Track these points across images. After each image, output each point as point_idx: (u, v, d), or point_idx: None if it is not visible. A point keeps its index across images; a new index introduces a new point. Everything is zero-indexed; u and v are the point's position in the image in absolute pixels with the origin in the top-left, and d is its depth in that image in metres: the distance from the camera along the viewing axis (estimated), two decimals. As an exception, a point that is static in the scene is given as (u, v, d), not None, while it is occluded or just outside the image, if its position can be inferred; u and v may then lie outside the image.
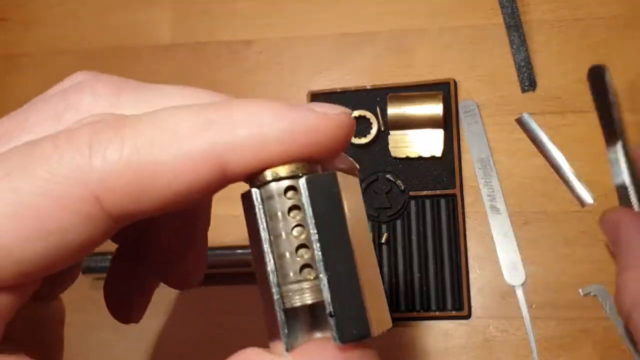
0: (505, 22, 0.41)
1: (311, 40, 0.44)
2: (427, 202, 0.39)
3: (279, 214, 0.16)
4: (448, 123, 0.40)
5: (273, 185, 0.16)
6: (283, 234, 0.16)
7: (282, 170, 0.16)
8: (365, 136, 0.40)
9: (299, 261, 0.16)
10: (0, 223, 0.16)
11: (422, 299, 0.38)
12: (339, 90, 0.42)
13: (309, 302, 0.16)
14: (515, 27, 0.41)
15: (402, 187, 0.40)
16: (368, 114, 0.40)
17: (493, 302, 0.38)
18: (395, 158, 0.40)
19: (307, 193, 0.16)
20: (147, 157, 0.16)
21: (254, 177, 0.17)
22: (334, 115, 0.17)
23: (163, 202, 0.17)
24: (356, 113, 0.40)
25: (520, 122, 0.39)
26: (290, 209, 0.16)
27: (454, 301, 0.38)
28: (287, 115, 0.16)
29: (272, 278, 0.16)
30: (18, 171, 0.16)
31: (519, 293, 0.37)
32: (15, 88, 0.48)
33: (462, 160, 0.40)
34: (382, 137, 0.40)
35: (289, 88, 0.43)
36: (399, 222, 0.39)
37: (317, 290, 0.16)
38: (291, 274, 0.16)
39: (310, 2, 0.45)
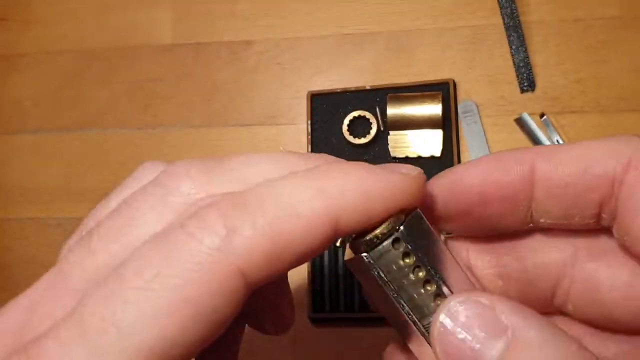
0: (505, 22, 0.41)
1: (311, 41, 0.44)
2: (427, 202, 0.39)
3: (394, 266, 0.18)
4: (447, 123, 0.40)
5: (384, 244, 0.18)
6: (405, 281, 0.19)
7: (384, 229, 0.18)
8: (364, 136, 0.40)
9: (430, 294, 0.19)
10: (163, 323, 0.17)
11: (422, 299, 0.38)
12: (339, 91, 0.42)
13: None
14: (514, 27, 0.41)
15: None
16: (368, 114, 0.40)
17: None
18: (395, 158, 0.40)
19: (410, 238, 0.18)
20: (278, 228, 0.18)
21: (358, 244, 0.19)
22: (417, 176, 0.20)
23: (290, 265, 0.19)
24: (356, 113, 0.41)
25: (519, 122, 0.40)
26: (403, 258, 0.18)
27: (453, 301, 0.38)
28: (385, 178, 0.19)
29: (412, 318, 0.19)
30: (164, 269, 0.17)
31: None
32: (15, 88, 0.48)
33: (462, 161, 0.40)
34: (381, 137, 0.40)
35: (289, 88, 0.44)
36: (398, 222, 0.39)
37: None
38: (425, 309, 0.19)
39: (310, 3, 0.45)
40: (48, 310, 0.19)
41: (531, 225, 0.21)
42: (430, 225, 0.19)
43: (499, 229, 0.22)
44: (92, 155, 0.45)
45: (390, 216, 0.19)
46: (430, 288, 0.19)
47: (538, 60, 0.40)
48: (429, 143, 0.39)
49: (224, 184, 0.20)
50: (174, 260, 0.18)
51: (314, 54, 0.44)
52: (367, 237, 0.18)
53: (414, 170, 0.20)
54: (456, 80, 0.41)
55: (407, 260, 0.19)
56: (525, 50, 0.40)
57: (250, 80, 0.44)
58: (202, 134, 0.44)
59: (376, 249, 0.19)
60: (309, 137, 0.41)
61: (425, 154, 0.39)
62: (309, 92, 0.42)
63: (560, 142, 0.39)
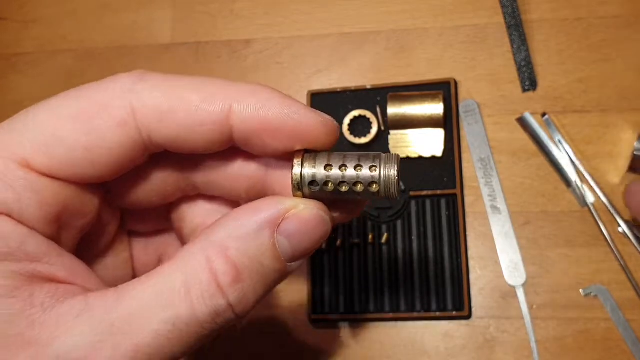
0: (506, 21, 0.41)
1: (311, 40, 0.44)
2: (428, 202, 0.39)
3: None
4: (448, 123, 0.39)
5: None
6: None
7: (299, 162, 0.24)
8: (365, 136, 0.40)
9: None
10: (68, 124, 0.21)
11: (423, 299, 0.38)
12: (339, 90, 0.42)
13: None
14: (516, 26, 0.40)
15: (403, 187, 0.39)
16: (368, 114, 0.40)
17: (493, 303, 0.38)
18: (396, 158, 0.39)
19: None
20: (175, 88, 0.22)
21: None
22: (328, 119, 0.23)
23: (181, 135, 0.22)
24: (356, 113, 0.40)
25: (521, 121, 0.39)
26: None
27: (454, 301, 0.37)
28: (289, 104, 0.22)
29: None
30: (86, 91, 0.22)
31: (520, 293, 0.37)
32: (15, 87, 0.48)
33: (463, 160, 0.40)
34: (382, 137, 0.40)
35: (289, 88, 0.43)
36: (399, 222, 0.39)
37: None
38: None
39: (310, 2, 0.44)
40: None
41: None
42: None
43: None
44: (91, 155, 0.45)
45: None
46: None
47: (539, 59, 0.40)
48: (430, 142, 0.39)
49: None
50: (92, 85, 0.23)
51: (314, 53, 0.44)
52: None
53: (329, 118, 0.23)
54: (457, 79, 0.41)
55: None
56: (527, 50, 0.40)
57: (250, 79, 0.43)
58: (201, 134, 0.44)
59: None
60: (309, 136, 0.41)
61: (426, 153, 0.39)
62: (309, 92, 0.42)
63: (562, 141, 0.38)
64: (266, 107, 0.22)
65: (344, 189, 0.23)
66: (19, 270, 0.21)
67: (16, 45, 0.49)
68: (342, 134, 0.40)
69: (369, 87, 0.41)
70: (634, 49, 0.39)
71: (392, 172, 0.23)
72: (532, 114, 0.39)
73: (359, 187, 0.23)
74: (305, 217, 0.22)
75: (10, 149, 0.21)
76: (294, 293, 0.40)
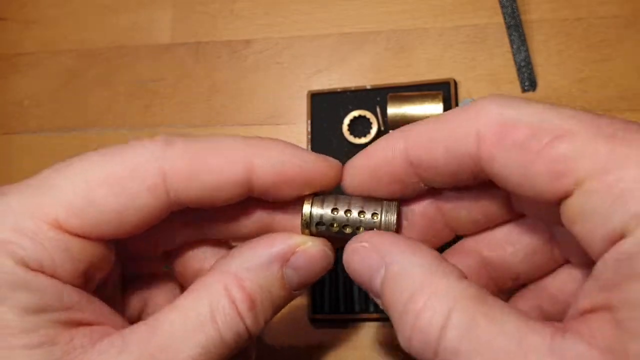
0: (506, 21, 0.41)
1: (311, 40, 0.44)
2: (427, 202, 0.39)
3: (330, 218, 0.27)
4: (448, 123, 0.40)
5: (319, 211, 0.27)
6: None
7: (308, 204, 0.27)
8: (365, 136, 0.40)
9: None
10: (99, 188, 0.23)
11: (422, 299, 0.38)
12: (339, 90, 0.42)
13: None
14: (515, 26, 0.41)
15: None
16: (368, 114, 0.40)
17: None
18: (395, 158, 0.40)
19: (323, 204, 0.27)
20: (203, 152, 0.24)
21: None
22: (333, 162, 0.26)
23: (209, 191, 0.24)
24: (356, 113, 0.40)
25: (520, 122, 0.39)
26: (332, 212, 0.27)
27: (454, 301, 0.37)
28: (300, 154, 0.26)
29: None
30: (114, 156, 0.24)
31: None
32: (15, 87, 0.48)
33: (462, 160, 0.40)
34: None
35: (289, 88, 0.43)
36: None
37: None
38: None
39: (310, 2, 0.45)
40: None
41: (426, 187, 0.26)
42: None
43: (405, 194, 0.27)
44: (91, 155, 0.45)
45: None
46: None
47: (539, 59, 0.40)
48: (429, 143, 0.39)
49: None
50: (122, 148, 0.24)
51: (314, 53, 0.44)
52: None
53: (332, 159, 0.26)
54: (457, 79, 0.41)
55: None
56: (527, 50, 0.40)
57: (250, 80, 0.43)
58: (202, 134, 0.44)
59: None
60: (309, 136, 0.41)
61: (426, 153, 0.39)
62: (309, 92, 0.42)
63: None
64: (282, 161, 0.25)
65: (348, 230, 0.26)
66: (57, 319, 0.23)
67: (17, 45, 0.49)
68: (342, 134, 0.41)
69: (368, 87, 0.41)
70: (634, 49, 0.39)
71: (392, 219, 0.26)
72: (532, 114, 0.39)
73: (361, 230, 0.26)
74: (312, 253, 0.26)
75: (43, 210, 0.23)
76: (294, 293, 0.40)
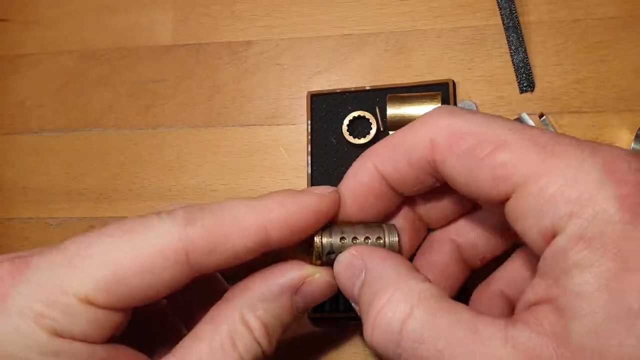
0: (504, 23, 0.41)
1: (311, 42, 0.44)
2: (426, 202, 0.39)
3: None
4: (447, 123, 0.40)
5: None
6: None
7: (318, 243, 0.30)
8: (364, 136, 0.40)
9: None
10: (127, 267, 0.26)
11: (421, 298, 0.38)
12: (338, 91, 0.42)
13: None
14: (513, 28, 0.41)
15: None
16: (367, 115, 0.41)
17: (492, 301, 0.38)
18: (395, 158, 0.40)
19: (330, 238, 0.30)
20: (221, 227, 0.26)
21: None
22: (331, 194, 0.29)
23: (227, 260, 0.27)
24: (355, 114, 0.41)
25: (518, 122, 0.40)
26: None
27: (453, 299, 0.38)
28: (302, 200, 0.28)
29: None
30: (138, 234, 0.26)
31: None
32: (17, 88, 0.48)
33: (461, 161, 0.40)
34: (381, 138, 0.40)
35: (289, 89, 0.44)
36: (398, 222, 0.39)
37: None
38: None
39: (310, 4, 0.45)
40: None
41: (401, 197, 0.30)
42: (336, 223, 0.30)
43: (390, 208, 0.31)
44: (92, 155, 0.45)
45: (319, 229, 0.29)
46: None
47: (537, 60, 0.41)
48: (428, 143, 0.39)
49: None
50: (145, 226, 0.26)
51: (314, 54, 0.44)
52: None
53: (328, 190, 0.29)
54: (456, 80, 0.41)
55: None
56: (525, 51, 0.41)
57: (250, 81, 0.44)
58: (202, 134, 0.44)
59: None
60: (309, 137, 0.42)
61: (425, 154, 0.39)
62: (308, 93, 0.42)
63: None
64: (292, 218, 0.27)
65: None
66: None
67: (18, 46, 0.49)
68: (341, 134, 0.41)
69: (368, 88, 0.42)
70: (630, 50, 0.40)
71: (395, 240, 0.29)
72: (530, 114, 0.39)
73: None
74: (320, 283, 0.29)
75: (74, 287, 0.25)
76: (294, 292, 0.40)
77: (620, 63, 0.40)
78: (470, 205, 0.32)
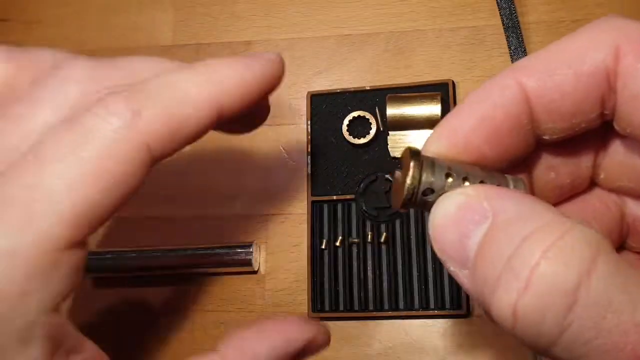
0: (504, 23, 0.41)
1: (311, 42, 0.44)
2: (426, 202, 0.39)
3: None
4: (446, 123, 0.40)
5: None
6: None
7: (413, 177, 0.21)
8: (364, 136, 0.40)
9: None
10: (86, 190, 0.21)
11: (421, 298, 0.38)
12: (338, 91, 0.42)
13: None
14: (513, 28, 0.41)
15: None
16: (367, 115, 0.41)
17: (491, 301, 0.38)
18: (395, 158, 0.40)
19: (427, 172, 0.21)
20: (174, 110, 0.23)
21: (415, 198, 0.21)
22: (276, 59, 0.26)
23: (186, 140, 0.24)
24: (355, 113, 0.41)
25: (518, 122, 0.40)
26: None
27: (452, 300, 0.38)
28: (253, 66, 0.25)
29: None
30: (80, 146, 0.21)
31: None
32: (18, 89, 0.48)
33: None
34: (381, 138, 0.41)
35: (289, 89, 0.44)
36: (398, 222, 0.39)
37: None
38: None
39: (310, 4, 0.45)
40: None
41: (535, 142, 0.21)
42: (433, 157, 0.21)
43: (519, 154, 0.22)
44: (93, 155, 0.46)
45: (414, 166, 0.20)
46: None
47: (537, 60, 0.41)
48: (428, 143, 0.40)
49: (116, 77, 0.24)
50: (89, 139, 0.21)
51: (314, 54, 0.44)
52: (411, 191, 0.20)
53: (273, 55, 0.26)
54: (455, 80, 0.41)
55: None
56: (524, 51, 0.41)
57: (250, 81, 0.44)
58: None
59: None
60: (309, 137, 0.42)
61: (424, 154, 0.39)
62: (308, 93, 0.42)
63: (559, 142, 0.39)
64: (249, 84, 0.25)
65: None
66: None
67: (19, 46, 0.49)
68: (341, 134, 0.41)
69: (368, 88, 0.42)
70: (630, 50, 0.40)
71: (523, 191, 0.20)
72: (529, 114, 0.39)
73: None
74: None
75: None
76: (294, 291, 0.40)
77: (620, 63, 0.40)
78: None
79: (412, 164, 0.20)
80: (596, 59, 0.19)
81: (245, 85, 0.24)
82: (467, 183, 0.20)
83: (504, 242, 0.17)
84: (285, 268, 0.40)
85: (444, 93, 0.40)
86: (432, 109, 0.39)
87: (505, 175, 0.21)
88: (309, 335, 0.26)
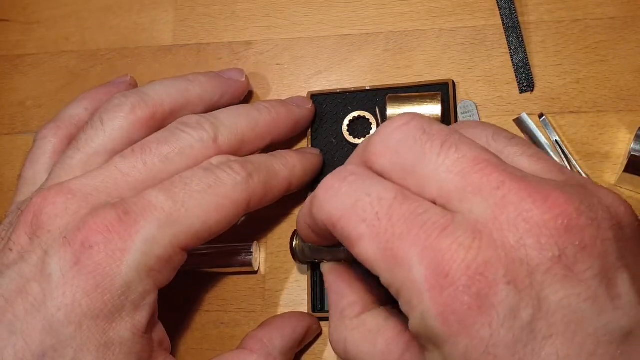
0: (504, 23, 0.41)
1: (311, 42, 0.44)
2: (426, 202, 0.39)
3: None
4: (447, 123, 0.40)
5: None
6: None
7: None
8: (364, 136, 0.40)
9: None
10: (210, 215, 0.32)
11: (421, 298, 0.38)
12: (338, 91, 0.42)
13: None
14: (513, 28, 0.41)
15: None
16: (367, 115, 0.41)
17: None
18: (394, 158, 0.40)
19: None
20: (271, 182, 0.35)
21: None
22: (320, 154, 0.41)
23: (268, 204, 0.36)
24: (355, 113, 0.41)
25: (518, 122, 0.40)
26: None
27: (452, 300, 0.38)
28: (309, 157, 0.40)
29: None
30: (215, 185, 0.32)
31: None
32: (18, 88, 0.48)
33: (461, 160, 0.40)
34: (381, 138, 0.41)
35: (289, 89, 0.44)
36: (398, 222, 0.39)
37: None
38: None
39: (310, 4, 0.45)
40: (113, 193, 0.31)
41: None
42: None
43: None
44: (93, 155, 0.46)
45: None
46: None
47: (537, 60, 0.41)
48: (428, 143, 0.39)
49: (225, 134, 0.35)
50: (219, 183, 0.32)
51: (314, 54, 0.44)
52: None
53: (317, 150, 0.41)
54: (455, 80, 0.41)
55: None
56: (524, 51, 0.41)
57: (250, 81, 0.44)
58: (202, 134, 0.44)
59: None
60: (309, 137, 0.42)
61: (425, 153, 0.39)
62: (308, 93, 0.43)
63: (559, 142, 0.39)
64: (310, 171, 0.40)
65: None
66: None
67: (19, 46, 0.49)
68: (341, 134, 0.41)
69: (368, 88, 0.42)
70: (630, 50, 0.40)
71: None
72: (530, 114, 0.39)
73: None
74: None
75: (179, 239, 0.32)
76: (294, 291, 0.40)
77: (620, 63, 0.40)
78: None
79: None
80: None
81: (305, 170, 0.38)
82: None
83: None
84: (285, 268, 0.40)
85: (444, 93, 0.40)
86: (432, 109, 0.39)
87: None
88: (308, 325, 0.36)
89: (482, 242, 0.21)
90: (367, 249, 0.24)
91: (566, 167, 0.38)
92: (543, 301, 0.21)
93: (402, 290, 0.23)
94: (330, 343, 0.31)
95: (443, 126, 0.26)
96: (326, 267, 0.35)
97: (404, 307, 0.23)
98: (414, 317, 0.23)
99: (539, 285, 0.21)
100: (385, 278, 0.24)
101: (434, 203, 0.24)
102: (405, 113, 0.27)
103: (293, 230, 0.41)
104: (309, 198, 0.29)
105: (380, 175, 0.26)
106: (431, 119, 0.26)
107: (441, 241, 0.22)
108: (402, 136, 0.25)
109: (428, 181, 0.24)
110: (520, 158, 0.26)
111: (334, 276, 0.33)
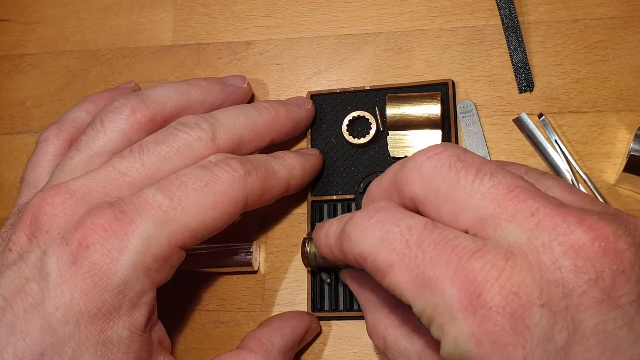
0: (503, 23, 0.41)
1: (311, 42, 0.44)
2: (426, 202, 0.39)
3: None
4: (446, 123, 0.40)
5: None
6: None
7: None
8: (364, 137, 0.40)
9: None
10: (207, 213, 0.31)
11: (421, 298, 0.38)
12: (338, 91, 0.42)
13: None
14: (513, 28, 0.41)
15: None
16: (367, 115, 0.41)
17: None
18: (395, 158, 0.40)
19: None
20: (269, 181, 0.35)
21: None
22: (320, 155, 0.41)
23: (266, 204, 0.36)
24: (355, 114, 0.41)
25: (518, 122, 0.40)
26: None
27: (452, 300, 0.38)
28: (308, 159, 0.40)
29: None
30: (212, 183, 0.32)
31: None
32: (18, 88, 0.48)
33: (461, 161, 0.40)
34: (381, 138, 0.41)
35: (289, 89, 0.44)
36: (397, 222, 0.39)
37: None
38: None
39: (310, 4, 0.45)
40: (111, 193, 0.31)
41: None
42: None
43: None
44: (93, 155, 0.46)
45: None
46: None
47: (536, 60, 0.41)
48: (429, 143, 0.40)
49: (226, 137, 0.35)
50: (218, 179, 0.32)
51: (314, 54, 0.44)
52: None
53: (317, 151, 0.41)
54: (455, 80, 0.41)
55: None
56: (524, 51, 0.41)
57: (250, 81, 0.44)
58: (202, 134, 0.44)
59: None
60: (309, 137, 0.42)
61: (424, 154, 0.39)
62: (308, 93, 0.43)
63: (559, 142, 0.39)
64: (310, 172, 0.40)
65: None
66: None
67: (19, 46, 0.49)
68: (341, 134, 0.41)
69: (368, 88, 0.42)
70: (630, 50, 0.40)
71: None
72: (529, 114, 0.40)
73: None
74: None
75: (177, 238, 0.32)
76: (294, 291, 0.40)
77: (620, 63, 0.40)
78: None
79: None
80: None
81: (304, 172, 0.37)
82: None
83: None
84: (285, 268, 0.40)
85: (444, 93, 0.40)
86: (432, 109, 0.39)
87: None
88: (308, 324, 0.37)
89: (516, 263, 0.21)
90: (398, 278, 0.23)
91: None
92: (578, 325, 0.20)
93: (434, 316, 0.22)
94: (370, 337, 0.32)
95: (477, 155, 0.26)
96: (347, 275, 0.35)
97: (435, 333, 0.23)
98: (446, 343, 0.22)
99: (574, 308, 0.20)
100: (417, 306, 0.23)
101: (467, 233, 0.24)
102: (439, 144, 0.27)
103: (293, 229, 0.41)
104: (330, 221, 0.30)
105: (413, 202, 0.26)
106: (465, 148, 0.26)
107: (474, 263, 0.21)
108: (436, 164, 0.25)
109: (462, 208, 0.24)
110: (555, 190, 0.26)
111: (358, 286, 0.35)
